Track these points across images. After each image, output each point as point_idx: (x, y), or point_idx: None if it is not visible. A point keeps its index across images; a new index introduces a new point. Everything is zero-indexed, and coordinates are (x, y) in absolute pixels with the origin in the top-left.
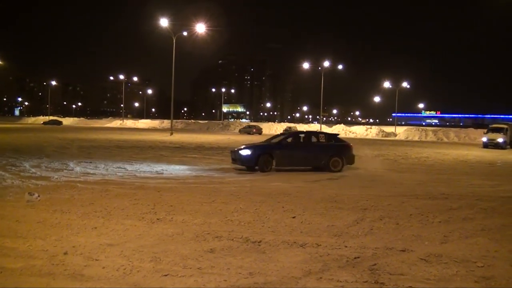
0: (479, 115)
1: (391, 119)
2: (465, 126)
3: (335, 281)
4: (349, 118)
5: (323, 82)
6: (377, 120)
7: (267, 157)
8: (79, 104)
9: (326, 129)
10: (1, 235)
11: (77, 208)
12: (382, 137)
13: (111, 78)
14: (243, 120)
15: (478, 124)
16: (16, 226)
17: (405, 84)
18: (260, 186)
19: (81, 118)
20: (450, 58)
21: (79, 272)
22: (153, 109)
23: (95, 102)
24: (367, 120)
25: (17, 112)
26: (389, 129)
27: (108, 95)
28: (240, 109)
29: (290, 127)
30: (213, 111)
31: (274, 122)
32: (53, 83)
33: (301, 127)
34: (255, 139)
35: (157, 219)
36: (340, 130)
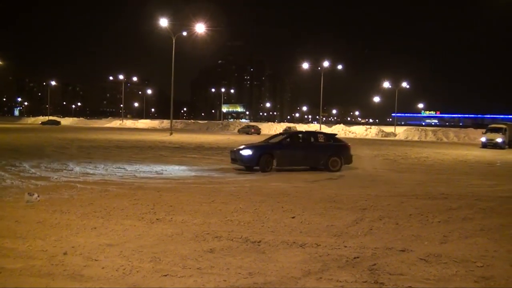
0: (478, 115)
1: (390, 119)
2: (465, 126)
3: (335, 281)
4: (348, 118)
5: (323, 82)
6: (377, 120)
7: (268, 157)
8: (79, 104)
9: (325, 129)
10: (0, 235)
11: (76, 209)
12: (381, 137)
13: (111, 78)
14: (243, 120)
15: (477, 124)
16: (16, 226)
17: (404, 84)
18: (260, 186)
19: (81, 118)
20: (450, 58)
21: (78, 272)
22: (153, 109)
23: (94, 102)
24: (367, 120)
25: (16, 112)
26: (388, 129)
27: (108, 95)
28: (239, 109)
29: (289, 127)
30: (213, 111)
31: (273, 122)
32: (53, 83)
33: (301, 127)
34: (254, 139)
35: (157, 219)
36: (340, 130)
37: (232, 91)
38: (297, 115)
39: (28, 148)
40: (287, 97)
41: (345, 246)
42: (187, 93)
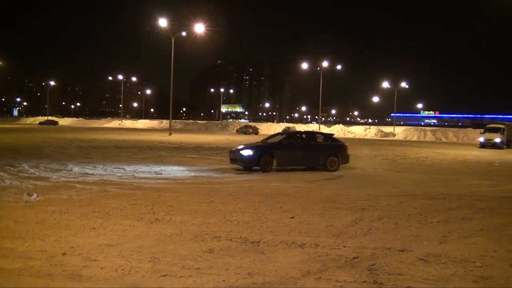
0: (477, 115)
1: (389, 119)
2: (464, 126)
3: (334, 281)
4: (347, 118)
5: (322, 82)
6: (376, 120)
7: (268, 157)
8: (78, 104)
9: (325, 129)
10: None
11: (75, 209)
12: (380, 137)
13: (110, 78)
14: (242, 120)
15: (476, 124)
16: (15, 226)
17: (403, 84)
18: (259, 186)
19: (80, 118)
20: (450, 58)
21: (77, 272)
22: (152, 109)
23: (93, 102)
24: (366, 120)
25: (15, 112)
26: (387, 129)
27: (107, 95)
28: (239, 109)
29: (289, 127)
30: (212, 111)
31: (273, 122)
32: (52, 83)
33: (300, 127)
34: (252, 139)
35: (156, 219)
36: (339, 130)
37: (231, 91)
38: (296, 115)
39: (27, 148)
40: (286, 97)
41: (344, 246)
42: (186, 93)
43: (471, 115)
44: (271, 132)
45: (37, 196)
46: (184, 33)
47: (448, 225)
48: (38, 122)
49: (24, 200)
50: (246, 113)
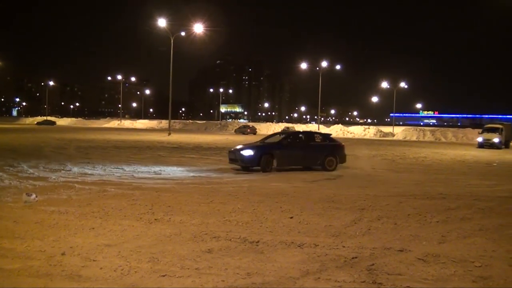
0: (476, 115)
1: (389, 119)
2: (463, 126)
3: (333, 281)
4: (347, 118)
5: (321, 83)
6: (375, 120)
7: (268, 157)
8: (77, 104)
9: (324, 129)
10: None
11: (74, 209)
12: (380, 137)
13: (109, 78)
14: (241, 120)
15: (476, 124)
16: (14, 226)
17: (403, 84)
18: (258, 186)
19: (79, 119)
20: (450, 58)
21: (76, 272)
22: (151, 110)
23: (93, 102)
24: (365, 120)
25: (14, 113)
26: (387, 129)
27: (106, 95)
28: (238, 109)
29: (288, 127)
30: (211, 111)
31: (272, 122)
32: (51, 83)
33: (299, 127)
34: (250, 139)
35: (155, 219)
36: (338, 130)
37: (230, 91)
38: (295, 115)
39: (26, 148)
40: (286, 97)
41: (344, 246)
42: (185, 93)
43: (470, 115)
44: (270, 132)
45: (36, 196)
46: (183, 33)
47: (447, 225)
48: (36, 122)
49: (23, 200)
50: (246, 113)
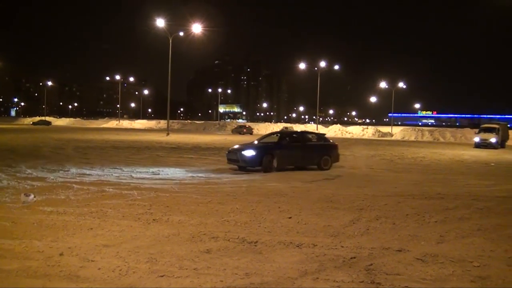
0: (475, 115)
1: (387, 119)
2: (461, 126)
3: (332, 281)
4: (345, 118)
5: (320, 83)
6: (374, 120)
7: (269, 158)
8: (75, 104)
9: (322, 129)
10: None
11: (73, 209)
12: (378, 137)
13: (107, 78)
14: (240, 120)
15: (474, 124)
16: (12, 227)
17: (401, 84)
18: (257, 187)
19: (77, 119)
20: (449, 58)
21: (74, 273)
22: (150, 110)
23: (91, 102)
24: (364, 120)
25: (13, 113)
26: (385, 129)
27: (104, 95)
28: (236, 109)
29: (286, 127)
30: (210, 111)
31: (270, 122)
32: (49, 83)
33: (298, 127)
34: (247, 139)
35: (153, 219)
36: (337, 130)
37: (229, 91)
38: (294, 115)
39: (24, 148)
40: (284, 97)
41: (342, 246)
42: (184, 93)
43: (468, 115)
44: (268, 132)
45: (35, 197)
46: (181, 33)
47: (446, 225)
48: (31, 122)
49: (22, 201)
50: (244, 113)
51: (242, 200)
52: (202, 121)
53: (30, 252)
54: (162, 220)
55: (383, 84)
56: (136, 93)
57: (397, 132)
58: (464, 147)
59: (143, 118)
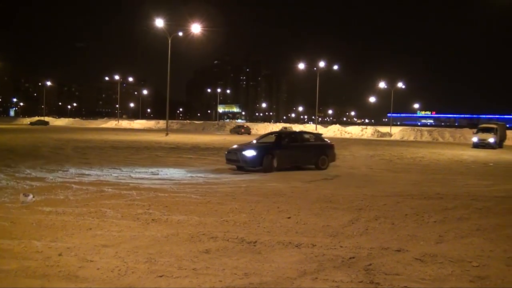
0: (474, 115)
1: (386, 119)
2: (460, 126)
3: (330, 281)
4: (344, 119)
5: (319, 83)
6: (373, 120)
7: (270, 158)
8: (74, 104)
9: (321, 129)
10: None
11: (72, 209)
12: (377, 137)
13: (107, 78)
14: (239, 120)
15: (473, 124)
16: (11, 227)
17: (400, 84)
18: (256, 187)
19: (76, 119)
20: (448, 58)
21: (73, 273)
22: (149, 110)
23: (90, 102)
24: (363, 120)
25: (12, 113)
26: (384, 129)
27: (103, 95)
28: (235, 109)
29: (286, 127)
30: (209, 111)
31: (269, 122)
32: (48, 83)
33: (297, 127)
34: (246, 139)
35: (152, 219)
36: (336, 130)
37: (228, 91)
38: (293, 115)
39: (23, 148)
40: (283, 98)
41: (341, 246)
42: (183, 93)
43: (467, 115)
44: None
45: (33, 197)
46: (180, 33)
47: (445, 225)
48: (29, 123)
49: (20, 201)
50: (243, 113)
51: (241, 200)
52: (201, 121)
53: (29, 252)
54: (161, 220)
55: (382, 84)
56: (135, 93)
57: (396, 132)
58: (463, 147)
59: (142, 118)
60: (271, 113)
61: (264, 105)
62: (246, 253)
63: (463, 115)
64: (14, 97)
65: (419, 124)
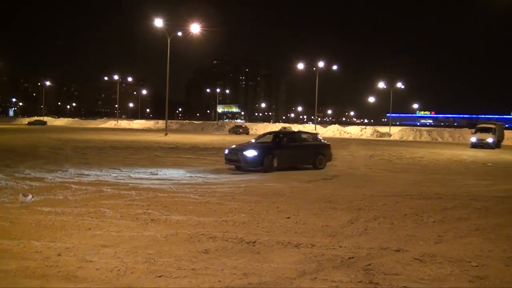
0: (473, 115)
1: (385, 120)
2: (459, 126)
3: (330, 281)
4: (343, 119)
5: (319, 83)
6: (372, 121)
7: (270, 158)
8: (74, 104)
9: (320, 129)
10: None
11: (71, 209)
12: (376, 137)
13: (106, 78)
14: (238, 120)
15: (472, 124)
16: (10, 227)
17: (399, 85)
18: (255, 187)
19: (76, 119)
20: (448, 58)
21: (72, 273)
22: (148, 110)
23: (89, 102)
24: (362, 120)
25: (11, 113)
26: (383, 129)
27: (103, 95)
28: (235, 109)
29: (285, 127)
30: (208, 111)
31: (269, 122)
32: (48, 83)
33: (296, 127)
34: (244, 139)
35: (151, 220)
36: (335, 130)
37: (227, 91)
38: (292, 115)
39: (23, 148)
40: (283, 98)
41: (340, 246)
42: (182, 93)
43: (466, 115)
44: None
45: (33, 197)
46: (180, 33)
47: (444, 225)
48: (27, 122)
49: (20, 201)
50: (242, 113)
51: (240, 200)
52: (201, 121)
53: (28, 252)
54: (160, 221)
55: (381, 84)
56: (135, 93)
57: (395, 132)
58: (462, 147)
59: (141, 118)
60: (270, 113)
61: (263, 105)
62: (245, 253)
63: (462, 115)
64: (13, 97)
65: (418, 124)
